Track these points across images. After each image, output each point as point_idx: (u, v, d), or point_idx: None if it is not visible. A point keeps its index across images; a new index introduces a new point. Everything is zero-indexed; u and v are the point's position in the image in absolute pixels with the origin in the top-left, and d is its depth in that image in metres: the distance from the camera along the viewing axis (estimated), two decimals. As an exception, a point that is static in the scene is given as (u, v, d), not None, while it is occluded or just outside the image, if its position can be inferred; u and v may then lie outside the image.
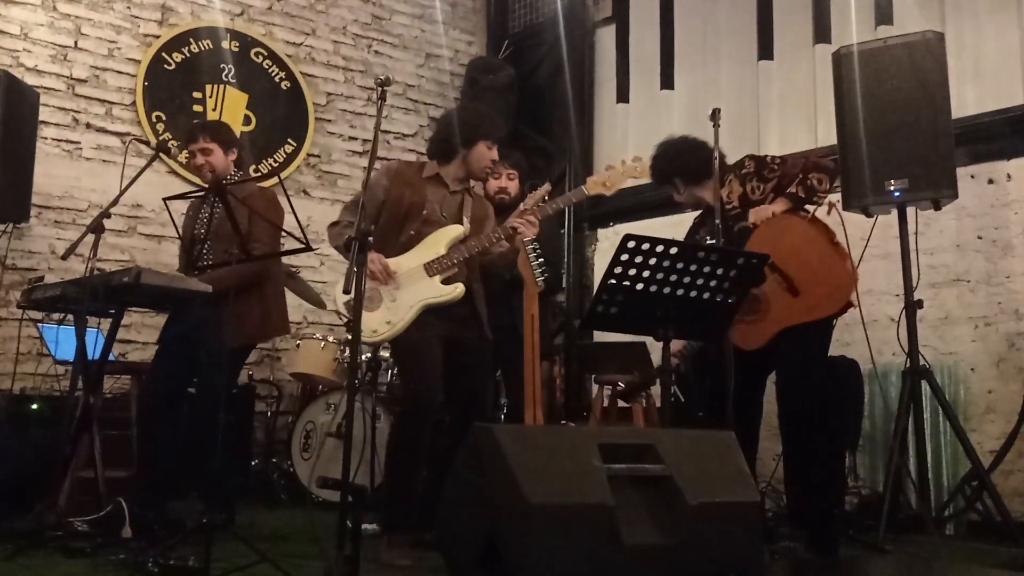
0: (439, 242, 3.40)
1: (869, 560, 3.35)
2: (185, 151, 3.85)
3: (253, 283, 3.57)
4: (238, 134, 4.22)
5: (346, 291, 2.81)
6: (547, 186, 3.97)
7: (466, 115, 3.60)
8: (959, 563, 3.34)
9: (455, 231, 3.43)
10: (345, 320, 3.94)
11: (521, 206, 3.96)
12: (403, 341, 3.35)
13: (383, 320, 3.32)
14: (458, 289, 3.35)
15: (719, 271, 2.86)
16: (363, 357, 4.63)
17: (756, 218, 3.37)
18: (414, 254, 3.40)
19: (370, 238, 2.78)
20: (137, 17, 5.51)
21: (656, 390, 4.62)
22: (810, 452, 3.34)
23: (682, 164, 3.62)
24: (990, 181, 4.35)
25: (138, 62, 5.47)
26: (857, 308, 3.42)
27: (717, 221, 3.23)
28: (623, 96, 6.11)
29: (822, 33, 5.00)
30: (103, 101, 5.35)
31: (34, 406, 4.15)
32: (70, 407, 3.51)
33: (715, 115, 3.40)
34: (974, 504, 3.79)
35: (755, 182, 3.44)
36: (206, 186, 3.79)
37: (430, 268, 3.37)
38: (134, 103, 5.43)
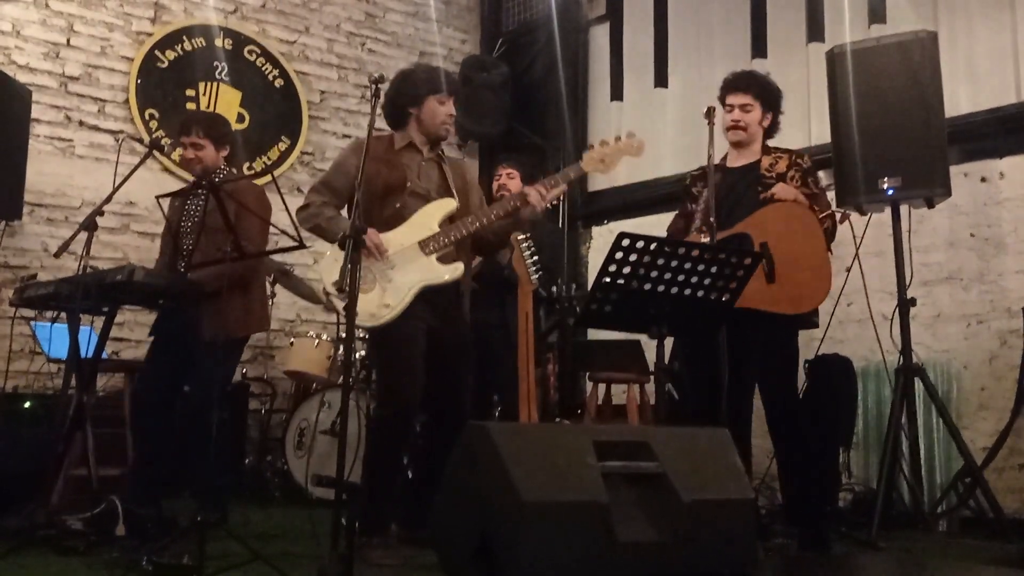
0: (431, 218, 3.24)
1: (862, 557, 3.36)
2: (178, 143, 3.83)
3: (241, 280, 3.56)
4: (231, 131, 4.21)
5: (340, 289, 2.77)
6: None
7: (411, 72, 3.43)
8: (952, 560, 3.35)
9: (448, 206, 3.29)
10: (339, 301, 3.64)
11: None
12: (387, 332, 3.17)
13: (381, 303, 3.14)
14: (458, 269, 3.22)
15: (713, 269, 2.86)
16: (357, 355, 4.63)
17: (782, 193, 3.33)
18: (405, 231, 3.23)
19: (364, 235, 2.75)
20: (130, 15, 5.50)
21: (651, 387, 4.64)
22: (801, 450, 3.35)
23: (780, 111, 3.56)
24: (983, 179, 4.36)
25: (131, 60, 5.45)
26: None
27: (711, 195, 3.23)
28: (617, 94, 6.12)
29: (815, 32, 5.01)
30: (96, 99, 5.33)
31: (27, 404, 4.15)
32: (63, 405, 3.51)
33: (709, 113, 3.40)
34: (967, 501, 3.80)
35: (799, 175, 3.42)
36: (199, 181, 3.79)
37: (425, 246, 3.20)
38: (127, 101, 5.42)
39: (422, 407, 3.42)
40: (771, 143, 3.59)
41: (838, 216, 3.49)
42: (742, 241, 3.30)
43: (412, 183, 3.30)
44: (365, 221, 3.15)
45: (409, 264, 3.19)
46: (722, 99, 3.54)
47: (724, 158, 3.58)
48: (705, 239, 3.22)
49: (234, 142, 3.89)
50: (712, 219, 3.19)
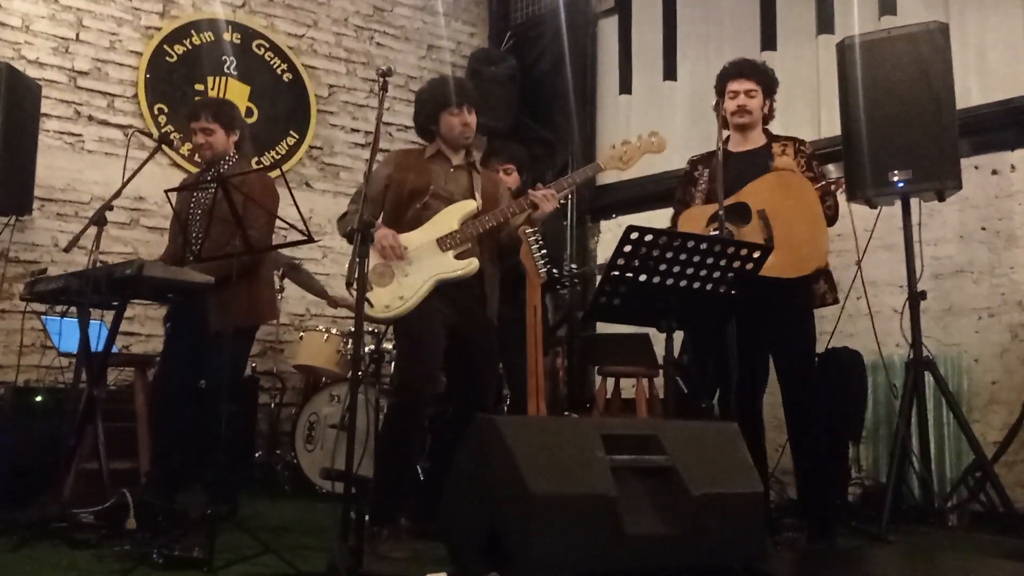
0: (452, 217, 3.35)
1: (872, 551, 3.35)
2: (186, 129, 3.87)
3: (247, 269, 3.57)
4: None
5: (349, 283, 2.83)
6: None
7: (424, 91, 3.58)
8: (962, 554, 3.34)
9: (468, 206, 3.38)
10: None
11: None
12: (406, 325, 3.30)
13: (395, 295, 3.25)
14: (472, 264, 3.30)
15: (722, 262, 2.86)
16: (366, 349, 4.64)
17: (781, 165, 3.39)
18: (426, 229, 3.35)
19: (372, 229, 2.78)
20: (138, 9, 5.50)
21: (660, 381, 4.63)
22: (812, 441, 3.35)
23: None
24: (994, 172, 4.33)
25: (140, 54, 5.46)
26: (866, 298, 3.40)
27: (719, 174, 3.26)
28: (625, 87, 6.10)
29: (825, 24, 4.98)
30: (105, 93, 5.34)
31: (38, 398, 4.16)
32: (74, 399, 3.53)
33: (718, 106, 3.40)
34: (977, 495, 3.79)
35: (803, 161, 3.46)
36: (207, 175, 3.81)
37: (443, 243, 3.31)
38: (136, 95, 5.43)
39: (447, 402, 3.50)
40: (774, 131, 3.61)
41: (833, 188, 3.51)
42: (740, 210, 3.33)
43: (436, 186, 3.41)
44: (392, 225, 3.36)
45: (426, 260, 3.29)
46: (721, 88, 3.57)
47: (726, 143, 3.58)
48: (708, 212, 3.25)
49: (243, 127, 3.92)
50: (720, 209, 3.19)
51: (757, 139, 3.53)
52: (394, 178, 3.45)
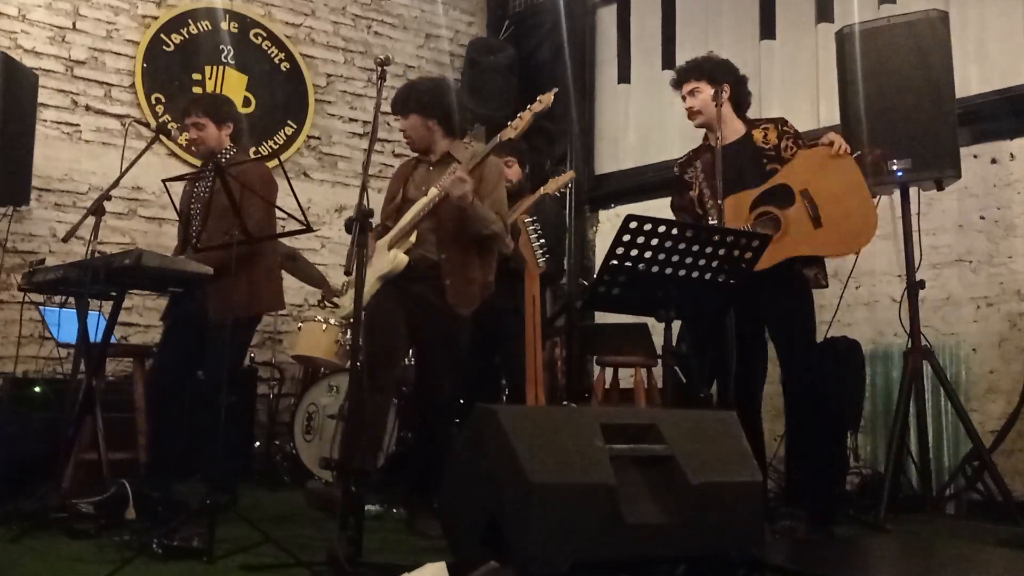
0: (407, 218, 3.47)
1: (870, 539, 3.36)
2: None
3: (245, 259, 3.58)
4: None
5: (347, 273, 2.88)
6: (571, 173, 3.98)
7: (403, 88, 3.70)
8: (959, 542, 3.35)
9: (418, 205, 3.46)
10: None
11: (541, 189, 4.03)
12: (365, 312, 3.44)
13: (350, 297, 3.37)
14: (397, 259, 3.40)
15: (721, 252, 2.85)
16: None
17: (832, 137, 3.34)
18: (391, 234, 3.52)
19: (370, 219, 2.80)
20: (135, -2, 5.49)
21: (658, 371, 4.64)
22: (812, 429, 3.35)
23: (740, 77, 3.63)
24: (993, 161, 4.33)
25: (137, 43, 5.44)
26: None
27: (719, 167, 3.25)
28: (624, 76, 6.08)
29: (824, 12, 4.97)
30: (102, 83, 5.32)
31: (37, 389, 4.16)
32: (73, 390, 3.52)
33: (717, 95, 3.39)
34: (975, 484, 3.81)
35: (790, 142, 3.44)
36: (206, 166, 3.81)
37: (391, 242, 3.46)
38: (133, 85, 5.41)
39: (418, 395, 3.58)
40: (751, 116, 3.60)
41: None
42: (782, 192, 3.30)
43: (406, 192, 3.56)
44: (386, 232, 3.56)
45: (378, 260, 3.46)
46: (683, 98, 3.60)
47: (705, 140, 3.58)
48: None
49: (237, 120, 3.90)
50: (720, 200, 3.19)
51: (735, 130, 3.51)
52: (389, 190, 3.67)
